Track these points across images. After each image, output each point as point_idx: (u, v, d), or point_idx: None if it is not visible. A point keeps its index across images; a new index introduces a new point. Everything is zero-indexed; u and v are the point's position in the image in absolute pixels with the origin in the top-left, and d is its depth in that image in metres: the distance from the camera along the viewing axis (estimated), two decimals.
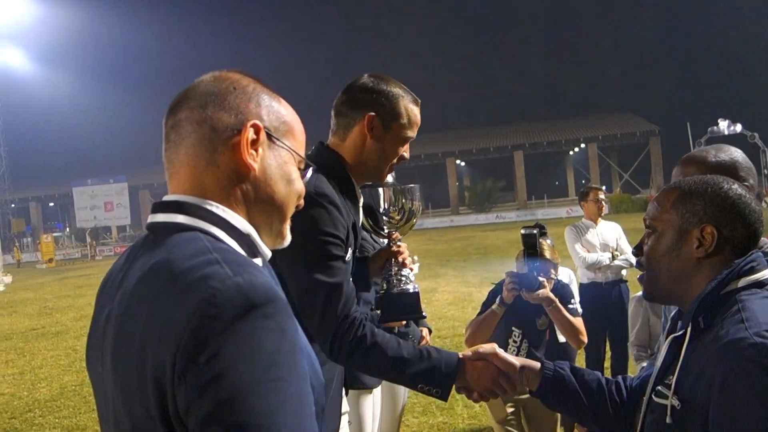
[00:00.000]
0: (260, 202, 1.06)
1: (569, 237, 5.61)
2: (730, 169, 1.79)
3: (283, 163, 1.09)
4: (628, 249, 5.52)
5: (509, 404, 3.37)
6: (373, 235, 3.03)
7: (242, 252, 1.02)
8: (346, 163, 2.00)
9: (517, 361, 1.76)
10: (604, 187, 5.97)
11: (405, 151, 2.07)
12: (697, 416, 1.29)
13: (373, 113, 1.95)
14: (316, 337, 1.83)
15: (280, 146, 1.09)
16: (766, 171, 34.55)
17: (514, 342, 3.30)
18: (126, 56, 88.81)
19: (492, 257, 18.02)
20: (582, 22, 77.12)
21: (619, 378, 1.71)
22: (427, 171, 62.00)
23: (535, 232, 2.88)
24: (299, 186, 1.12)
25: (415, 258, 13.28)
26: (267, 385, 0.82)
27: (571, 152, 64.22)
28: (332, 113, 2.05)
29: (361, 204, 2.10)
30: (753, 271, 1.37)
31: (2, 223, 57.29)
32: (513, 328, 3.30)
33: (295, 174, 1.11)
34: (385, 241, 2.25)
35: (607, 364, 5.53)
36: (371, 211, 2.32)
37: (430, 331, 3.84)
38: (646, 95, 64.60)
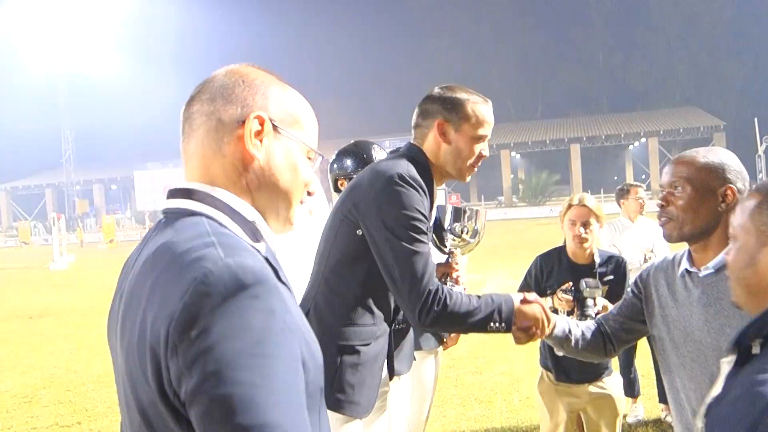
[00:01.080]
0: (265, 189, 1.12)
1: (607, 236, 5.37)
2: (718, 171, 1.81)
3: (288, 152, 1.14)
4: (664, 250, 5.28)
5: (567, 409, 3.31)
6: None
7: (245, 237, 1.07)
8: (431, 162, 2.23)
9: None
10: (644, 186, 5.71)
11: (483, 150, 2.25)
12: None
13: (441, 119, 2.17)
14: (404, 302, 2.06)
15: (287, 137, 1.13)
16: None
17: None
18: (191, 42, 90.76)
19: (543, 251, 17.72)
20: (648, 13, 74.90)
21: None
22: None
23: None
24: (306, 175, 1.17)
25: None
26: (254, 360, 0.86)
27: (630, 146, 62.64)
28: (412, 125, 2.27)
29: (435, 204, 2.28)
30: None
31: (67, 203, 59.57)
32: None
33: (302, 163, 1.16)
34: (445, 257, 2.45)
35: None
36: (436, 226, 2.54)
37: None
38: (713, 89, 62.42)
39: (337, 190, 3.20)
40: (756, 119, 37.00)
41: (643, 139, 56.65)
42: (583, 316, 3.01)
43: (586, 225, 3.16)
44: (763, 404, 1.01)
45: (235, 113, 1.09)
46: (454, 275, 2.48)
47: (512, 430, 4.91)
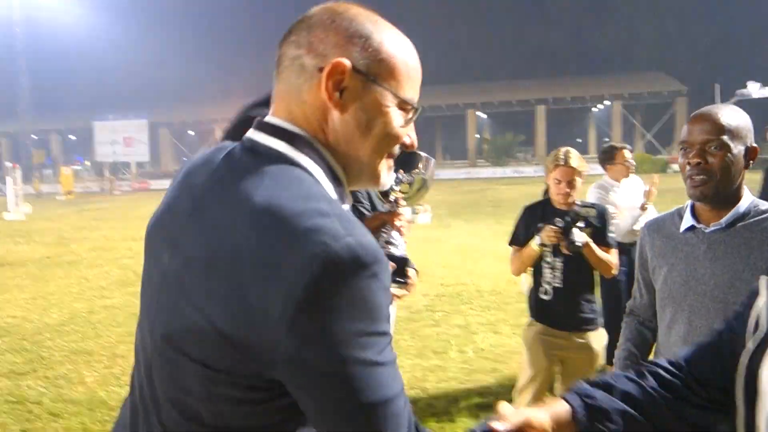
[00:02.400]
0: (346, 143, 1.03)
1: (596, 198, 5.08)
2: (746, 130, 1.85)
3: (375, 104, 1.02)
4: (651, 206, 5.25)
5: (548, 355, 3.44)
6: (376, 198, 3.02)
7: (335, 197, 1.01)
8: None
9: (546, 416, 1.28)
10: (629, 147, 5.57)
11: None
12: None
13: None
14: None
15: (375, 86, 1.02)
16: None
17: (548, 263, 3.41)
18: None
19: (505, 210, 17.97)
20: None
21: (659, 367, 1.39)
22: (447, 122, 61.48)
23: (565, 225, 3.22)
24: (394, 129, 1.05)
25: (427, 207, 13.32)
26: (371, 338, 0.87)
27: (594, 109, 63.24)
28: None
29: None
30: None
31: (23, 154, 57.96)
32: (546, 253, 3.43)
33: (392, 115, 1.04)
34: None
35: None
36: None
37: (416, 272, 3.88)
38: (677, 54, 63.07)
39: None
40: (717, 85, 37.63)
41: (608, 102, 57.19)
42: (571, 244, 3.22)
43: (570, 183, 3.35)
44: None
45: (317, 59, 1.00)
46: (397, 223, 2.24)
47: (466, 379, 5.04)
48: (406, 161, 2.18)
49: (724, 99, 36.19)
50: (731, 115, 1.84)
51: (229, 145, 1.07)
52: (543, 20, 78.13)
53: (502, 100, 57.95)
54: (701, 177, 1.83)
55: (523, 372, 3.55)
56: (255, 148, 1.02)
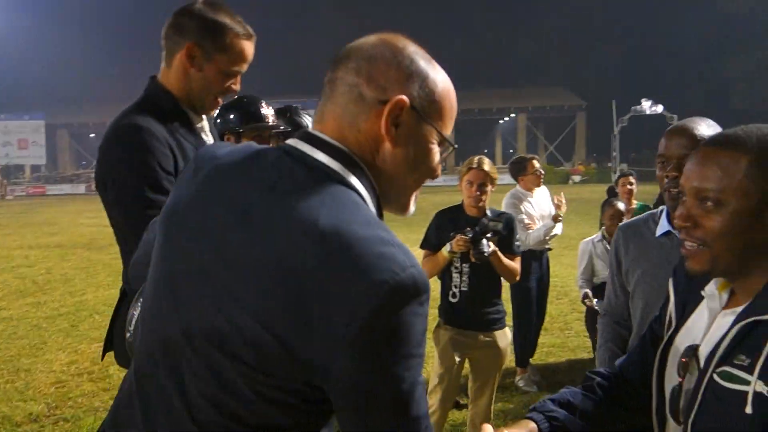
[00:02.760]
0: (391, 172, 1.09)
1: (510, 208, 5.23)
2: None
3: (422, 139, 1.10)
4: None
5: (457, 353, 3.61)
6: None
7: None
8: (173, 94, 1.98)
9: None
10: (537, 157, 5.86)
11: (234, 84, 2.03)
12: None
13: (193, 42, 1.91)
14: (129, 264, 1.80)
15: (424, 123, 1.09)
16: None
17: (456, 268, 3.61)
18: None
19: (416, 219, 18.22)
20: None
21: (599, 376, 1.56)
22: None
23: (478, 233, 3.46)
24: (434, 165, 1.14)
25: None
26: (414, 360, 0.95)
27: (501, 121, 65.34)
28: (162, 35, 1.98)
29: (205, 129, 2.11)
30: None
31: None
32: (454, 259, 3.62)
33: (434, 151, 1.12)
34: None
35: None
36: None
37: None
38: (577, 71, 66.17)
39: None
40: (614, 101, 39.76)
41: (513, 115, 59.22)
42: (479, 254, 3.40)
43: (482, 186, 3.57)
44: None
45: (377, 91, 1.06)
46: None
47: None
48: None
49: (620, 114, 38.30)
50: (706, 129, 1.91)
51: (263, 148, 1.11)
52: (451, 34, 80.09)
53: None
54: (678, 189, 1.86)
55: (434, 372, 3.71)
56: (305, 160, 1.05)
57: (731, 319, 1.26)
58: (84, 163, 63.54)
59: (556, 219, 5.22)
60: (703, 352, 1.28)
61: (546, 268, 5.55)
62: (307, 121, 3.52)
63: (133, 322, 1.32)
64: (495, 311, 3.63)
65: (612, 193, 5.01)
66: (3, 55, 66.29)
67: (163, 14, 2.11)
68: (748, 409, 1.15)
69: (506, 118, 62.90)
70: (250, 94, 3.21)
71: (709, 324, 1.32)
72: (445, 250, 3.54)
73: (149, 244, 1.30)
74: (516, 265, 3.65)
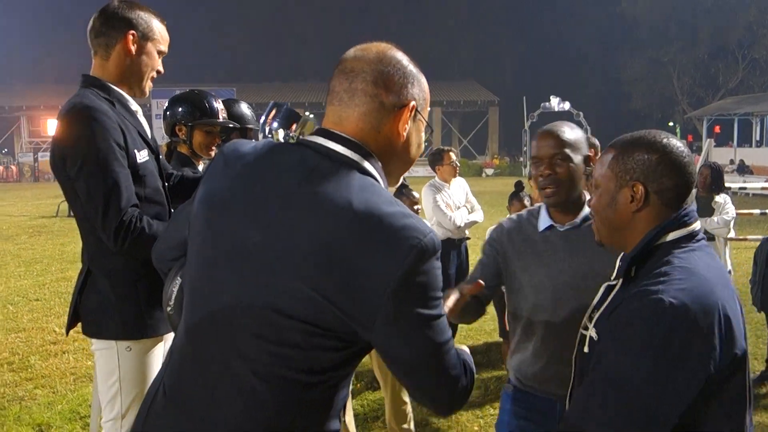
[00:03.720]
0: (400, 162, 1.41)
1: (430, 197, 5.67)
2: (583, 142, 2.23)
3: (419, 130, 1.42)
4: (476, 204, 5.98)
5: None
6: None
7: None
8: (111, 82, 2.30)
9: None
10: (455, 150, 6.17)
11: (160, 66, 2.41)
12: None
13: (133, 32, 2.28)
14: (101, 233, 2.15)
15: (420, 119, 1.41)
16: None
17: None
18: None
19: None
20: None
21: None
22: None
23: None
24: (422, 146, 1.46)
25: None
26: (439, 300, 1.26)
27: None
28: (92, 35, 2.30)
29: (139, 113, 2.40)
30: (685, 224, 1.49)
31: None
32: None
33: (422, 136, 1.46)
34: None
35: None
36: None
37: None
38: (490, 67, 67.81)
39: (173, 135, 3.27)
40: (525, 97, 41.14)
41: (429, 108, 60.11)
42: None
43: None
44: (638, 300, 1.37)
45: (395, 99, 1.33)
46: None
47: None
48: (287, 118, 2.28)
49: (530, 111, 39.69)
50: (569, 131, 2.16)
51: (284, 144, 1.35)
52: (365, 28, 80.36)
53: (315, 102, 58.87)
54: (552, 187, 2.13)
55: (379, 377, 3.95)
56: (329, 153, 1.29)
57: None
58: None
59: (470, 210, 5.65)
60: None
61: (465, 256, 5.89)
62: (244, 111, 3.62)
63: (173, 297, 1.51)
64: None
65: (519, 187, 5.38)
66: None
67: None
68: (586, 349, 1.57)
69: None
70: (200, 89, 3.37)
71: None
72: None
73: (177, 230, 1.54)
74: None
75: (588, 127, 37.03)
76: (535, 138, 2.21)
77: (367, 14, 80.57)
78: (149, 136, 2.39)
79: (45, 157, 32.03)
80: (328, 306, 1.18)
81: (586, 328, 1.61)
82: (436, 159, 5.86)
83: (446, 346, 1.27)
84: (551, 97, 38.35)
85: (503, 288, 2.37)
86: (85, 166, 2.12)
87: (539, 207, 2.32)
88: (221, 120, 3.25)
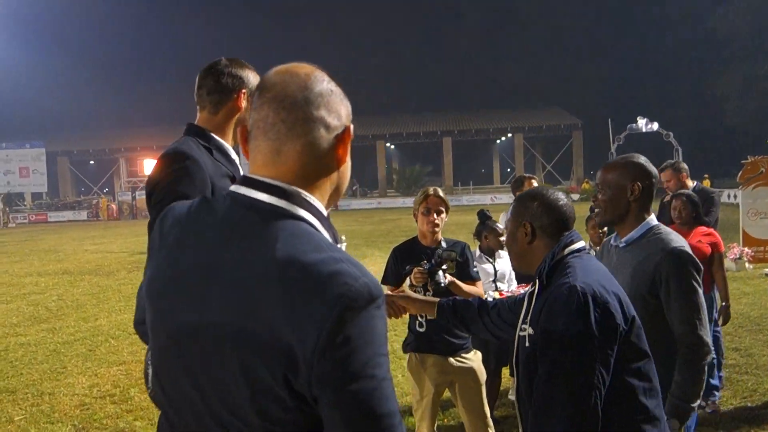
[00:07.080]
0: (338, 187, 1.28)
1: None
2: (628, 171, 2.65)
3: (349, 151, 1.28)
4: None
5: (431, 381, 3.70)
6: None
7: (330, 238, 1.19)
8: (214, 133, 2.40)
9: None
10: (536, 177, 5.99)
11: None
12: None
13: (245, 90, 2.40)
14: None
15: (349, 139, 1.27)
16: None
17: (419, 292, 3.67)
18: (50, 16, 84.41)
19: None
20: (517, 18, 78.76)
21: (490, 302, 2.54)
22: (357, 153, 62.01)
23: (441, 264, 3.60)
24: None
25: (343, 237, 13.49)
26: (381, 359, 1.06)
27: (498, 141, 65.72)
28: (202, 92, 2.40)
29: (237, 161, 2.48)
30: (572, 243, 2.04)
31: None
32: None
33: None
34: None
35: None
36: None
37: None
38: (572, 91, 66.79)
39: None
40: (610, 120, 40.12)
41: (510, 135, 59.61)
42: (436, 285, 3.52)
43: (438, 212, 3.71)
44: (556, 291, 1.87)
45: (337, 123, 1.22)
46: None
47: None
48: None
49: (617, 133, 38.63)
50: (609, 169, 2.65)
51: (212, 199, 1.25)
52: (447, 58, 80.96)
53: (410, 132, 59.29)
54: (597, 210, 2.73)
55: (414, 401, 3.83)
56: (254, 205, 1.16)
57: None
58: (83, 189, 63.69)
59: None
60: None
61: None
62: None
63: (149, 378, 1.44)
64: (460, 336, 3.67)
65: (593, 210, 5.18)
66: (3, 84, 66.78)
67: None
68: (527, 344, 1.96)
69: (503, 138, 63.30)
70: None
71: None
72: (406, 284, 3.64)
73: (143, 303, 1.45)
74: (477, 288, 3.75)
75: (679, 148, 35.74)
76: (601, 170, 2.73)
77: (446, 42, 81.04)
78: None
79: (142, 195, 33.60)
80: (274, 390, 1.07)
81: (522, 330, 2.02)
82: (517, 186, 5.79)
83: (388, 419, 1.06)
84: (638, 118, 37.24)
85: None
86: (157, 205, 2.19)
87: None
88: None
